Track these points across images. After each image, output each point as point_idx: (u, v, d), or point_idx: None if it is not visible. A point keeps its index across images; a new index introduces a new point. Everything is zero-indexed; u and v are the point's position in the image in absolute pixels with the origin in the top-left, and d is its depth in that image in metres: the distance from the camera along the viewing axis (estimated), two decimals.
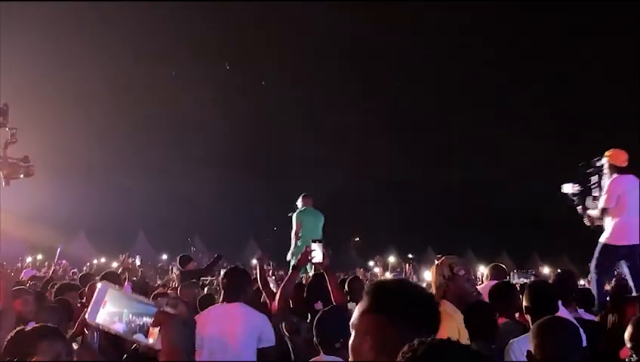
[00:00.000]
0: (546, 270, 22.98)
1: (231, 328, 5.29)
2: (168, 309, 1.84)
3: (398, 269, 16.70)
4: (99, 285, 1.84)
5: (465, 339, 4.01)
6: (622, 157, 8.33)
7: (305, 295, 6.51)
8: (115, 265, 18.23)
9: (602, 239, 8.18)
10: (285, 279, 5.94)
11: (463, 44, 32.45)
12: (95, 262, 19.23)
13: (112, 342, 4.94)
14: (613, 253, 8.02)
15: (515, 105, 32.59)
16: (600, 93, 30.59)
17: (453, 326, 4.06)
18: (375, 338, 2.16)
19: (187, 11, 29.17)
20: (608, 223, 8.20)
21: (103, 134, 28.38)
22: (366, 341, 2.18)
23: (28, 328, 3.63)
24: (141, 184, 27.92)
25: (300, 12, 29.36)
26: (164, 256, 22.28)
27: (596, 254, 8.10)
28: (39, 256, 20.00)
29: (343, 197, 36.00)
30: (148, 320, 1.82)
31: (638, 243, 7.81)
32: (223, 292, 5.68)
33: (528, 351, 3.63)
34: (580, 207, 8.78)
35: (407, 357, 1.76)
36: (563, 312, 5.14)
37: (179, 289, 8.67)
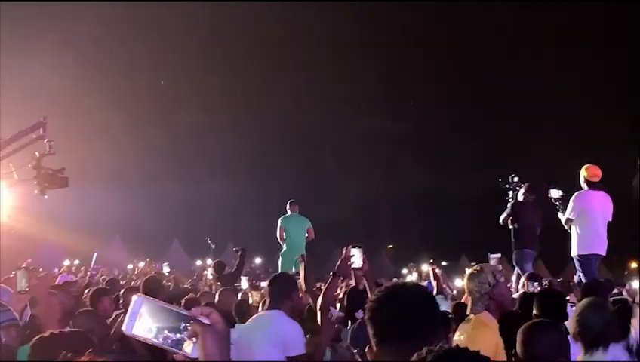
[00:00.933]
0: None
1: (255, 336, 5.32)
2: (203, 319, 1.85)
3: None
4: (135, 297, 1.85)
5: (501, 349, 3.99)
6: (593, 172, 9.01)
7: (346, 302, 6.52)
8: (141, 264, 18.42)
9: (574, 253, 9.00)
10: (326, 286, 5.93)
11: (495, 49, 32.22)
12: (130, 266, 19.41)
13: (151, 352, 4.98)
14: (589, 260, 8.79)
15: (548, 111, 32.20)
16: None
17: (492, 338, 4.03)
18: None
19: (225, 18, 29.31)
20: (574, 234, 9.01)
21: (139, 143, 28.62)
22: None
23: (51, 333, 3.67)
24: (176, 191, 28.16)
25: (334, 14, 29.43)
26: (199, 262, 22.41)
27: (578, 268, 8.89)
28: (76, 261, 20.25)
29: (377, 206, 35.97)
30: (184, 330, 1.83)
31: (600, 254, 8.75)
32: (268, 298, 5.67)
33: (514, 351, 3.63)
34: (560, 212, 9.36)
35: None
36: None
37: (218, 293, 8.73)
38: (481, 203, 33.37)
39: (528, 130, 32.08)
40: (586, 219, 8.98)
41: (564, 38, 30.58)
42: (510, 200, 11.02)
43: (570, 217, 9.08)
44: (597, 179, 9.04)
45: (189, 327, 1.82)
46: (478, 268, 4.52)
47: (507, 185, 11.25)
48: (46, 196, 11.50)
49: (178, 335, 1.82)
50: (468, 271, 4.82)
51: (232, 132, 31.59)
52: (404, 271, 22.84)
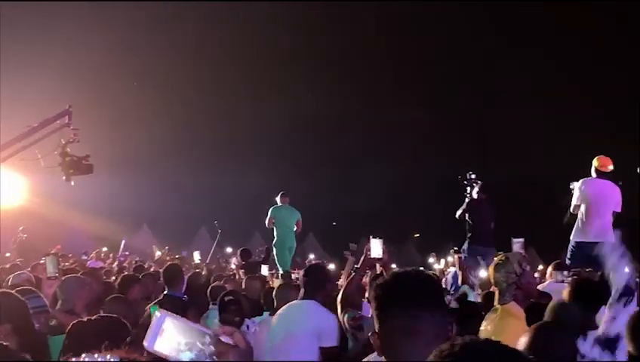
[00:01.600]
0: None
1: (291, 326, 5.34)
2: (226, 339, 1.87)
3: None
4: (157, 313, 1.88)
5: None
6: (604, 163, 9.21)
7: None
8: (158, 253, 18.52)
9: (573, 237, 9.24)
10: (347, 282, 5.95)
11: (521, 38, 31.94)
12: (158, 254, 19.56)
13: None
14: (581, 248, 8.96)
15: (588, 97, 31.80)
16: None
17: (519, 329, 4.01)
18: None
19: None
20: (578, 220, 9.24)
21: (166, 130, 28.76)
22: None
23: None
24: (204, 178, 28.28)
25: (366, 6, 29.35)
26: (229, 249, 22.51)
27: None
28: (104, 249, 20.44)
29: (403, 193, 35.87)
30: (206, 348, 1.85)
31: (604, 240, 7.94)
32: (302, 288, 5.69)
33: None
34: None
35: (444, 356, 1.76)
36: None
37: (244, 281, 8.80)
38: (507, 191, 33.27)
39: (553, 120, 31.77)
40: (589, 208, 9.18)
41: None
42: (467, 196, 11.83)
43: (577, 203, 9.27)
44: (606, 170, 9.18)
45: (211, 346, 1.84)
46: (504, 258, 4.49)
47: (465, 182, 11.94)
48: (72, 183, 11.76)
49: (201, 354, 1.84)
50: (494, 260, 4.80)
51: (259, 120, 31.69)
52: (431, 259, 22.75)
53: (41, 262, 13.71)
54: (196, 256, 16.99)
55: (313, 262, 13.40)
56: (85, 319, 3.31)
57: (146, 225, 27.26)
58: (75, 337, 3.22)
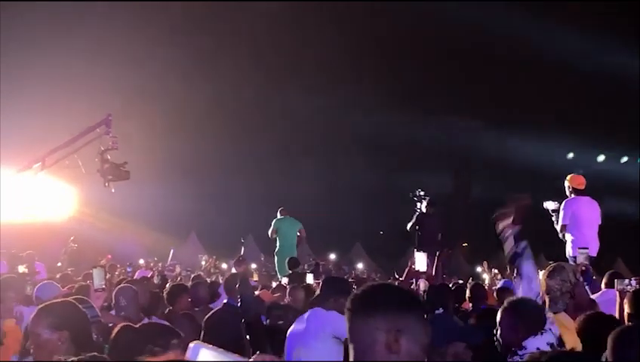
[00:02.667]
0: None
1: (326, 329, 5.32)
2: None
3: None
4: (191, 345, 1.86)
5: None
6: (579, 181, 10.00)
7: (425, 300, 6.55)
8: (203, 262, 18.58)
9: (568, 254, 9.72)
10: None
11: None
12: (203, 263, 19.70)
13: None
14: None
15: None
16: None
17: (570, 340, 3.94)
18: None
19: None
20: (569, 238, 9.82)
21: (213, 141, 29.02)
22: None
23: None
24: (252, 187, 28.49)
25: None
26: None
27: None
28: (155, 258, 20.67)
29: (452, 203, 35.62)
30: None
31: (591, 255, 8.77)
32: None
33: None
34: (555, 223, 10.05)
35: None
36: None
37: (288, 290, 8.78)
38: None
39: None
40: (577, 223, 9.82)
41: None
42: (417, 210, 13.48)
43: (565, 223, 9.84)
44: (582, 187, 9.95)
45: None
46: (559, 266, 4.42)
47: (415, 198, 13.61)
48: (113, 190, 12.12)
49: None
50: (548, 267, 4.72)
51: (304, 131, 31.77)
52: (479, 269, 22.52)
53: (91, 272, 13.95)
54: (253, 265, 17.00)
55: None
56: (132, 324, 3.30)
57: (194, 234, 27.46)
58: (120, 341, 3.23)
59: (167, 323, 4.15)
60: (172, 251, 19.07)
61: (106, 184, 12.03)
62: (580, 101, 31.19)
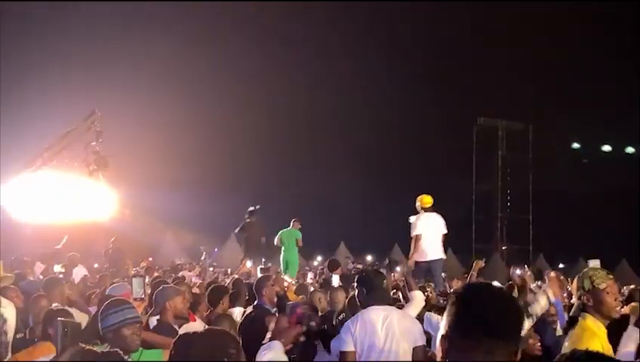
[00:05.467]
0: None
1: (390, 330, 5.44)
2: None
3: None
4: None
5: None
6: (426, 201, 12.68)
7: None
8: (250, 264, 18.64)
9: (415, 258, 12.26)
10: None
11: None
12: (249, 265, 19.85)
13: None
14: (422, 266, 12.10)
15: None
16: None
17: (595, 343, 4.00)
18: (447, 340, 2.26)
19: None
20: (417, 247, 12.28)
21: (248, 150, 29.26)
22: (441, 342, 2.28)
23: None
24: (288, 190, 28.59)
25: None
26: (319, 258, 22.74)
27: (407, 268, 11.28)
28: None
29: (489, 205, 35.41)
30: None
31: (437, 258, 12.33)
32: (368, 292, 5.76)
33: None
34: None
35: None
36: None
37: (329, 293, 8.80)
38: (602, 204, 32.50)
39: None
40: (426, 235, 12.30)
41: None
42: (246, 219, 17.28)
43: (418, 233, 12.29)
44: (429, 205, 12.61)
45: None
46: (581, 273, 4.46)
47: (247, 213, 17.36)
48: (101, 178, 12.73)
49: None
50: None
51: (346, 136, 31.84)
52: (518, 271, 22.34)
53: (132, 272, 14.20)
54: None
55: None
56: (192, 332, 3.32)
57: (233, 235, 27.65)
58: (183, 350, 3.23)
59: (219, 327, 4.23)
60: (216, 250, 19.29)
61: (88, 175, 12.59)
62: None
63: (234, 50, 28.71)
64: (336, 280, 10.30)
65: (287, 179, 29.27)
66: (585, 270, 4.51)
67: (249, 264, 19.49)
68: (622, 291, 10.32)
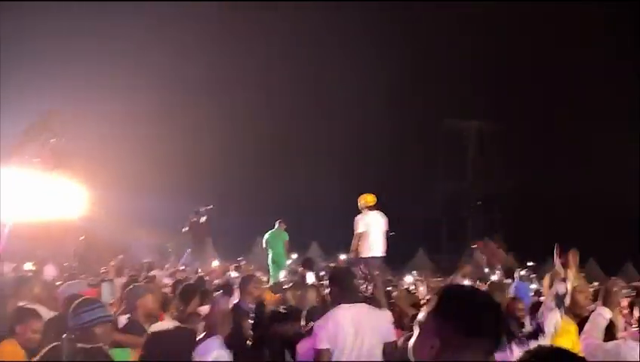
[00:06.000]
0: None
1: (360, 328, 5.48)
2: None
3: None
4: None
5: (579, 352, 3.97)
6: (370, 200, 13.12)
7: None
8: (234, 275, 18.54)
9: (360, 254, 12.74)
10: None
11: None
12: (214, 264, 19.75)
13: None
14: (366, 261, 12.41)
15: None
16: None
17: (566, 340, 4.04)
18: (439, 340, 2.22)
19: None
20: (362, 243, 12.77)
21: (228, 143, 29.17)
22: (429, 341, 2.24)
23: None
24: (261, 189, 28.53)
25: None
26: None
27: (350, 262, 12.62)
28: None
29: (459, 204, 35.70)
30: None
31: (378, 255, 12.88)
32: (341, 290, 5.80)
33: None
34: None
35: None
36: None
37: (300, 290, 8.80)
38: (570, 203, 32.91)
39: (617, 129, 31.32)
40: (369, 232, 12.80)
41: None
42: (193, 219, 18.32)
43: (362, 231, 12.78)
44: (373, 204, 13.10)
45: None
46: (552, 271, 4.50)
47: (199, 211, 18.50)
48: (63, 176, 12.71)
49: None
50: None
51: (322, 133, 31.86)
52: (486, 270, 22.47)
53: (102, 271, 14.08)
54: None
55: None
56: (159, 331, 3.30)
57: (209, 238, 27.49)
58: (151, 348, 3.22)
59: (181, 324, 4.21)
60: (188, 251, 19.16)
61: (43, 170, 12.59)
62: None
63: (204, 47, 28.59)
64: (311, 278, 10.34)
65: (259, 179, 29.21)
66: (554, 269, 4.54)
67: (215, 263, 19.58)
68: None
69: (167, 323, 6.54)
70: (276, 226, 17.22)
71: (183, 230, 18.48)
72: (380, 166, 33.06)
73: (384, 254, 13.22)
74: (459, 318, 2.22)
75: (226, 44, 29.18)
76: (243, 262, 19.42)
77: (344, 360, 5.38)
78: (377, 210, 13.22)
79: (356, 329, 5.45)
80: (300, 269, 14.02)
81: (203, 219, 17.62)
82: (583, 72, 31.45)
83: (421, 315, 2.34)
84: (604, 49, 31.12)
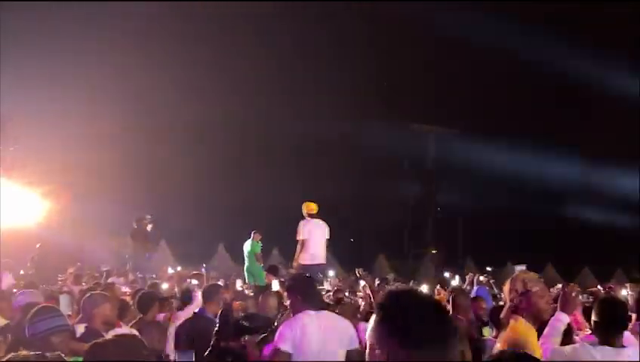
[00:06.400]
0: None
1: (326, 335, 5.53)
2: None
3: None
4: None
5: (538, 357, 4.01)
6: (311, 207, 13.18)
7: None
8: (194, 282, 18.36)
9: (301, 261, 12.80)
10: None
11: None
12: (171, 271, 19.58)
13: None
14: (307, 269, 11.95)
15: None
16: None
17: (525, 343, 4.07)
18: (385, 350, 2.14)
19: None
20: (303, 251, 12.85)
21: (186, 144, 29.01)
22: (375, 352, 2.18)
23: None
24: (222, 195, 28.37)
25: None
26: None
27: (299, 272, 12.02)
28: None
29: (419, 210, 35.93)
30: None
31: (318, 263, 12.92)
32: (303, 298, 5.81)
33: None
34: None
35: None
36: None
37: (261, 297, 8.76)
38: (524, 208, 33.34)
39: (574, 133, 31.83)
40: (311, 240, 12.85)
41: None
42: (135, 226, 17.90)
43: (304, 238, 12.84)
44: (314, 212, 13.16)
45: None
46: (514, 276, 4.56)
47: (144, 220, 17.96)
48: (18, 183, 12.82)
49: None
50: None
51: (277, 134, 31.80)
52: (446, 274, 22.71)
53: (59, 279, 13.89)
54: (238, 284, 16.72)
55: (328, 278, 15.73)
56: (101, 340, 3.28)
57: (164, 242, 27.21)
58: (93, 357, 3.20)
59: (137, 335, 4.17)
60: (147, 257, 18.94)
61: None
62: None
63: (163, 48, 28.44)
64: (276, 286, 10.35)
65: (220, 184, 29.06)
66: (517, 273, 4.60)
67: (170, 271, 19.49)
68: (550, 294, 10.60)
69: (124, 331, 6.47)
70: (251, 236, 17.31)
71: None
72: (343, 170, 33.15)
73: (324, 262, 13.44)
74: (402, 332, 2.13)
75: (188, 44, 29.10)
76: (203, 270, 19.33)
77: None
78: (319, 218, 13.31)
79: (322, 336, 5.48)
80: (265, 275, 14.02)
81: (149, 227, 17.59)
82: (541, 74, 31.89)
83: (369, 329, 2.25)
84: (556, 50, 31.55)
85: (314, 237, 12.98)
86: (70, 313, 5.82)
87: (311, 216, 13.19)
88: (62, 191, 18.77)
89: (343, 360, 5.49)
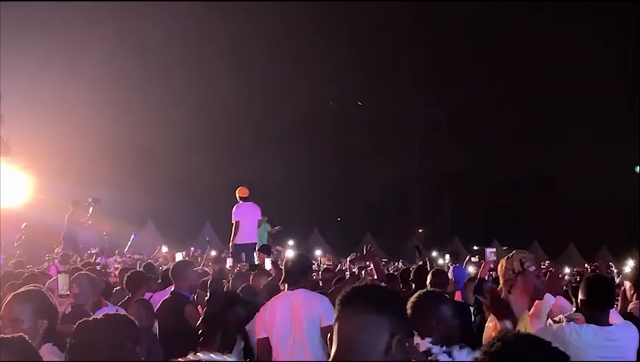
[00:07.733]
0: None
1: (295, 314, 5.55)
2: None
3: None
4: None
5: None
6: (244, 192, 14.11)
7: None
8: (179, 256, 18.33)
9: (235, 241, 13.64)
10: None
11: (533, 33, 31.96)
12: (165, 250, 19.55)
13: None
14: (240, 247, 13.38)
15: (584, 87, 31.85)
16: None
17: (520, 324, 4.07)
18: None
19: None
20: (237, 231, 13.70)
21: (170, 127, 28.89)
22: None
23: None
24: (208, 174, 28.35)
25: None
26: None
27: (231, 250, 13.60)
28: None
29: (406, 189, 35.99)
30: None
31: (250, 241, 13.59)
32: (286, 277, 5.88)
33: None
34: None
35: (484, 352, 1.86)
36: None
37: (251, 277, 8.76)
38: (512, 186, 33.44)
39: (560, 112, 31.95)
40: (243, 221, 13.74)
41: None
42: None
43: (237, 219, 13.73)
44: (246, 195, 14.11)
45: None
46: (509, 255, 4.53)
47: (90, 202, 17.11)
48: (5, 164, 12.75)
49: None
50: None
51: (265, 119, 31.75)
52: (434, 253, 22.75)
53: (46, 258, 13.83)
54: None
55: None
56: (91, 319, 3.24)
57: (150, 221, 27.13)
58: (81, 337, 3.16)
59: (126, 315, 4.13)
60: (133, 236, 18.82)
61: None
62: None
63: (147, 37, 28.23)
64: (268, 265, 10.34)
65: (208, 165, 29.01)
66: (514, 252, 4.56)
67: (164, 249, 19.42)
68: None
69: (110, 310, 6.44)
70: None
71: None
72: (329, 152, 33.13)
73: (257, 241, 14.07)
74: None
75: (176, 33, 28.92)
76: (192, 250, 19.34)
77: (281, 346, 5.47)
78: (251, 201, 14.17)
79: (292, 315, 5.53)
80: (257, 254, 14.03)
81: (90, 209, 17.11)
82: (528, 58, 31.98)
83: None
84: (547, 34, 31.64)
85: (246, 218, 13.87)
86: (68, 292, 5.77)
87: (243, 199, 14.12)
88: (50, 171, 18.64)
89: (317, 338, 5.47)
